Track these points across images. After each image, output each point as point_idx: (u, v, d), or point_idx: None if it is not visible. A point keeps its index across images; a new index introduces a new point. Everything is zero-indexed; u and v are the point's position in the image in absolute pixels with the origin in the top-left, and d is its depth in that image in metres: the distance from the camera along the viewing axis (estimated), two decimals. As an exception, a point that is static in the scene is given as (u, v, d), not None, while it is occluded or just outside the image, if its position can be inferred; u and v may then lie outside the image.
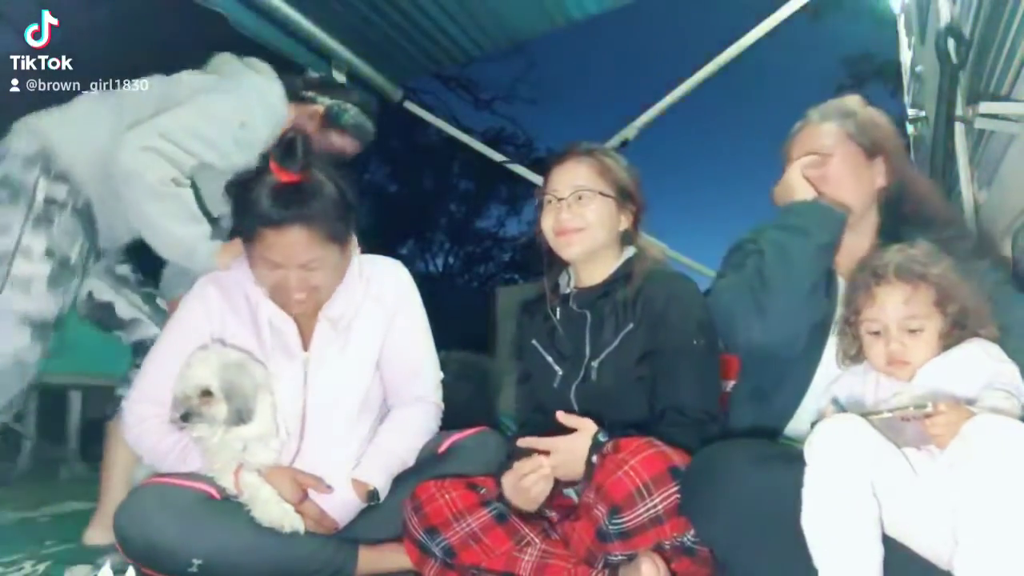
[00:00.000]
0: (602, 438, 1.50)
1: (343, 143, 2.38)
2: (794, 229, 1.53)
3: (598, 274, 1.78)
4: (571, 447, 1.52)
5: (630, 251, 1.79)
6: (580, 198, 1.72)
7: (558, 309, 1.80)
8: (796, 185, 1.57)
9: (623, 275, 1.75)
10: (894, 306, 1.33)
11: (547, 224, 1.76)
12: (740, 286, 1.55)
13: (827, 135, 1.59)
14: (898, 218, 1.57)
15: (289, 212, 1.58)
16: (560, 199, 1.74)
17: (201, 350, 1.67)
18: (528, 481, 1.54)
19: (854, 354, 1.42)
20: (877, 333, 1.35)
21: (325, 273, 1.68)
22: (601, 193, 1.73)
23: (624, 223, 1.77)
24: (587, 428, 1.53)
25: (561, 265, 1.83)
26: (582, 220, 1.72)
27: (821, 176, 1.57)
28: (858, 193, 1.57)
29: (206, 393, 1.61)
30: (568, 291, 1.81)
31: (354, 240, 1.77)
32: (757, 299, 1.51)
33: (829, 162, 1.57)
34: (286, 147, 1.59)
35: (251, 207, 1.60)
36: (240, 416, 1.63)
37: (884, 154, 1.58)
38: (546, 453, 1.54)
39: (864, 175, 1.58)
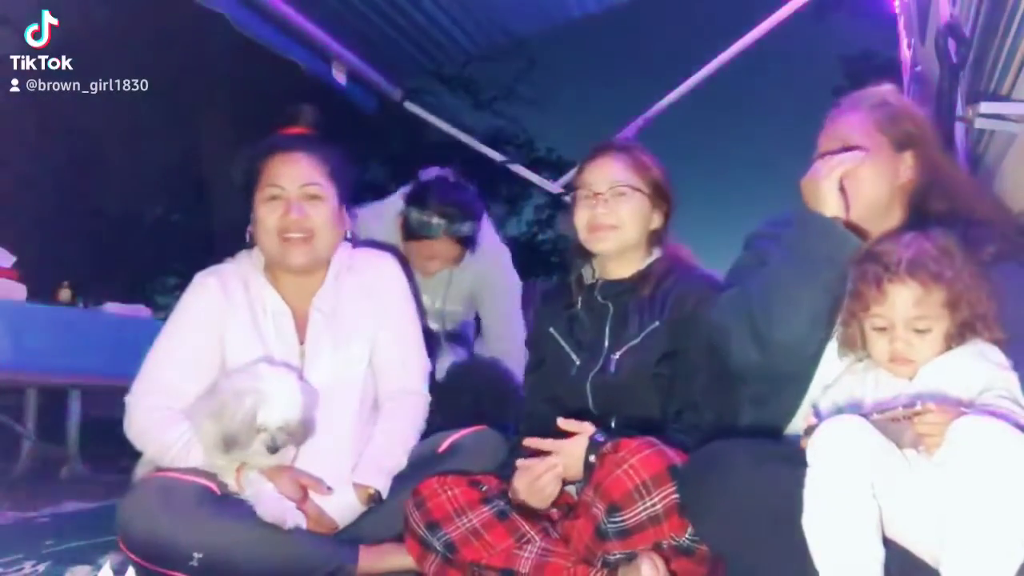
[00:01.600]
0: (599, 438, 1.51)
1: (425, 249, 2.40)
2: (804, 257, 1.43)
3: (622, 270, 1.77)
4: (573, 449, 1.54)
5: (658, 251, 1.78)
6: (619, 194, 1.71)
7: (580, 298, 1.80)
8: (826, 192, 1.45)
9: (652, 273, 1.74)
10: (904, 305, 1.29)
11: (581, 219, 1.73)
12: (739, 308, 1.49)
13: (857, 126, 1.52)
14: (927, 215, 1.48)
15: (296, 141, 1.82)
16: (597, 194, 1.72)
17: (273, 378, 1.65)
18: (544, 480, 1.56)
19: (857, 347, 1.38)
20: (883, 329, 1.31)
21: (321, 214, 1.77)
22: (637, 190, 1.72)
23: (656, 222, 1.76)
24: (585, 430, 1.55)
25: (585, 259, 1.82)
26: (616, 217, 1.70)
27: (848, 172, 1.47)
28: (880, 189, 1.50)
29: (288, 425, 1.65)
30: (593, 282, 1.81)
31: (347, 220, 1.87)
32: (755, 328, 1.45)
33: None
34: (294, 111, 1.89)
35: (261, 145, 1.81)
36: (307, 433, 1.67)
37: (914, 148, 1.51)
38: (549, 453, 1.56)
39: (889, 169, 1.50)
